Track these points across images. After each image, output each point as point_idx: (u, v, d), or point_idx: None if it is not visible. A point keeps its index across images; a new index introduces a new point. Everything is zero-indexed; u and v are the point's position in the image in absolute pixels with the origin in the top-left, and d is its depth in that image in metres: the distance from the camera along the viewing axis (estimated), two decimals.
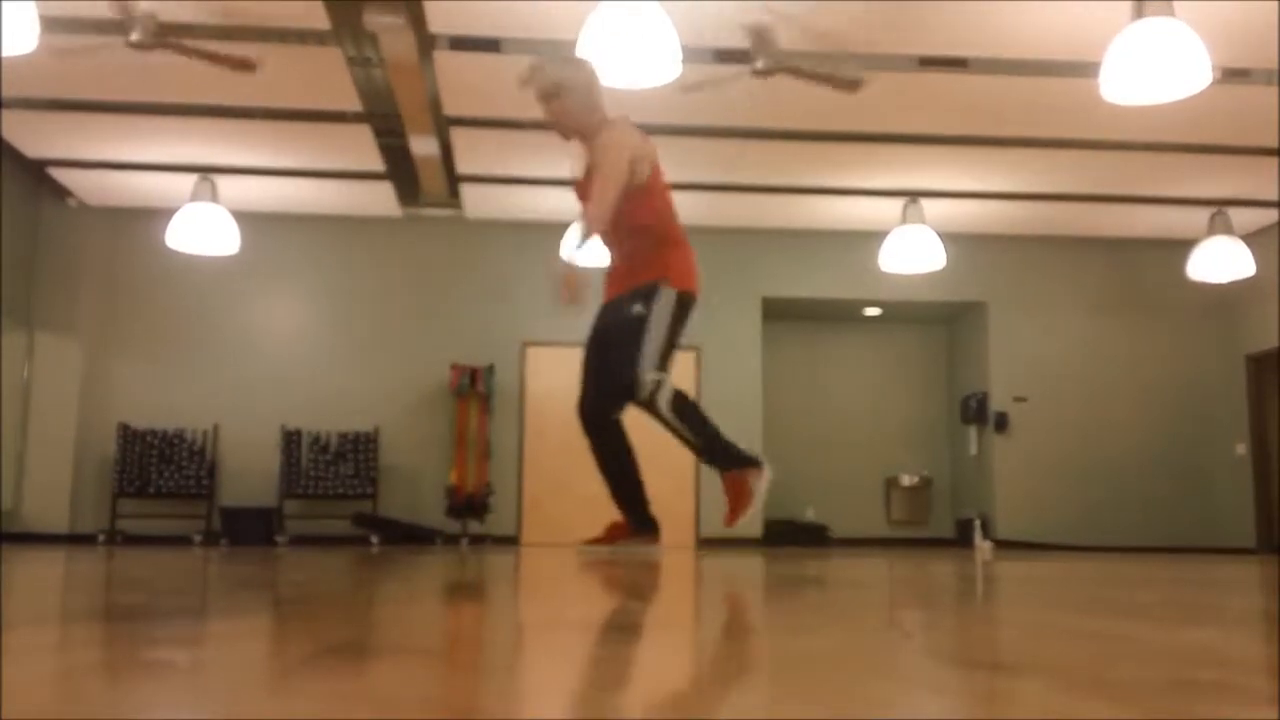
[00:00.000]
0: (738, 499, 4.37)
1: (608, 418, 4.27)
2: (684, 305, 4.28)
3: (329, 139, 8.01)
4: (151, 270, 9.53)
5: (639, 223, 4.26)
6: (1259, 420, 9.90)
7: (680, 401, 4.25)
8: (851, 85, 5.89)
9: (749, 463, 4.39)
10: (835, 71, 5.90)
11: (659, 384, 4.17)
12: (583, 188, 4.38)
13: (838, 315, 10.88)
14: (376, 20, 5.93)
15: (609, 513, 4.50)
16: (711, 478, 9.58)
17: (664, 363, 4.23)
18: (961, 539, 10.32)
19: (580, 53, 5.22)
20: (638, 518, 4.45)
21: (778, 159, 8.32)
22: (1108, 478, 10.00)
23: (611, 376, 4.22)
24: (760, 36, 5.92)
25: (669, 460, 9.80)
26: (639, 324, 4.18)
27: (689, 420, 4.27)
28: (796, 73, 6.03)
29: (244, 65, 6.11)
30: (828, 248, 10.12)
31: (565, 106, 4.29)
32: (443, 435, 9.47)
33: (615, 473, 4.36)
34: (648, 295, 4.21)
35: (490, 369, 9.50)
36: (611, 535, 4.51)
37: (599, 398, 4.29)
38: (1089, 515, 9.87)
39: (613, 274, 4.40)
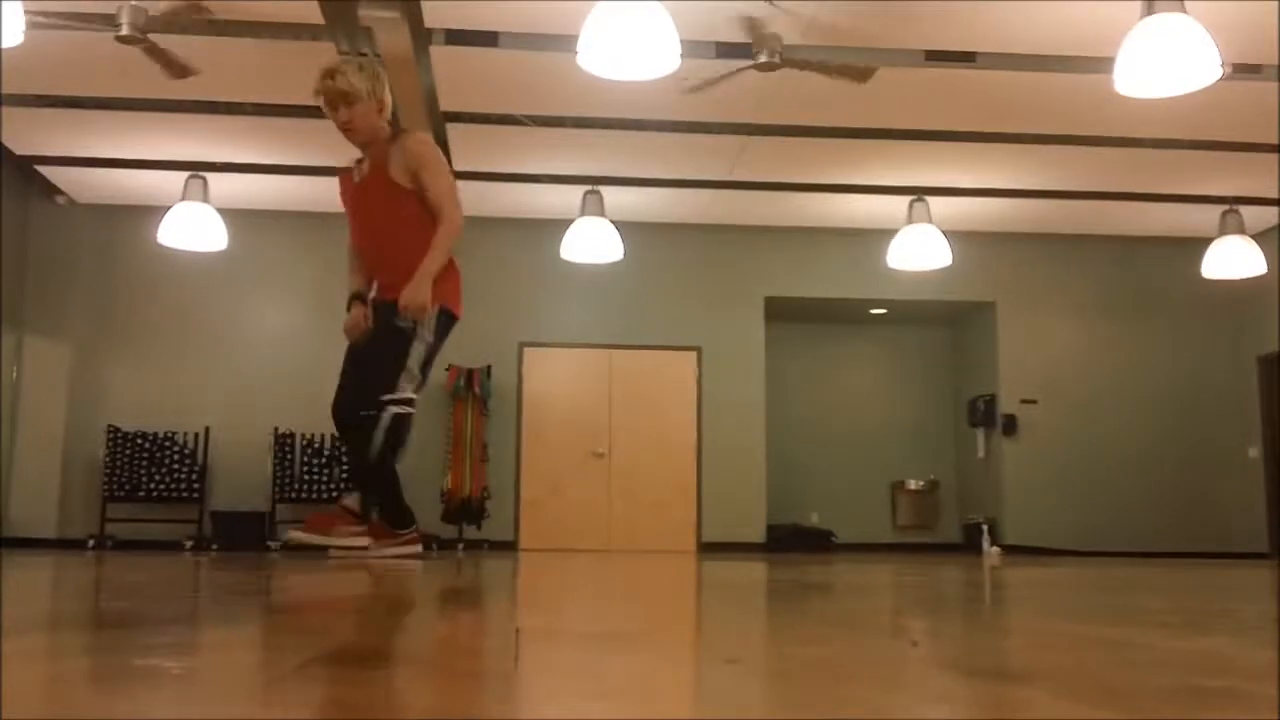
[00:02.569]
0: (375, 538, 4.45)
1: (361, 418, 4.33)
2: (447, 324, 4.45)
3: (322, 135, 7.84)
4: (142, 270, 9.39)
5: (424, 234, 4.39)
6: (1272, 423, 9.77)
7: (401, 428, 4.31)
8: (862, 74, 5.78)
9: (403, 525, 4.54)
10: (844, 62, 5.79)
11: (407, 401, 4.33)
12: (364, 191, 4.55)
13: (842, 315, 10.76)
14: (371, 14, 5.88)
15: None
16: (713, 483, 9.50)
17: (423, 378, 4.41)
18: (969, 544, 10.19)
19: (582, 53, 5.13)
20: (398, 515, 4.54)
21: (781, 156, 8.20)
22: (1118, 482, 9.86)
23: (372, 385, 4.31)
24: (759, 31, 5.80)
25: (670, 464, 9.70)
26: (406, 338, 4.32)
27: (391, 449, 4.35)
28: (804, 65, 5.91)
29: (183, 71, 6.08)
30: (832, 246, 9.99)
31: (358, 113, 4.40)
32: (438, 438, 9.32)
33: (373, 469, 4.41)
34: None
35: (487, 370, 9.36)
36: (374, 536, 4.52)
37: (358, 400, 4.36)
38: (1098, 520, 9.74)
39: (384, 279, 4.54)
